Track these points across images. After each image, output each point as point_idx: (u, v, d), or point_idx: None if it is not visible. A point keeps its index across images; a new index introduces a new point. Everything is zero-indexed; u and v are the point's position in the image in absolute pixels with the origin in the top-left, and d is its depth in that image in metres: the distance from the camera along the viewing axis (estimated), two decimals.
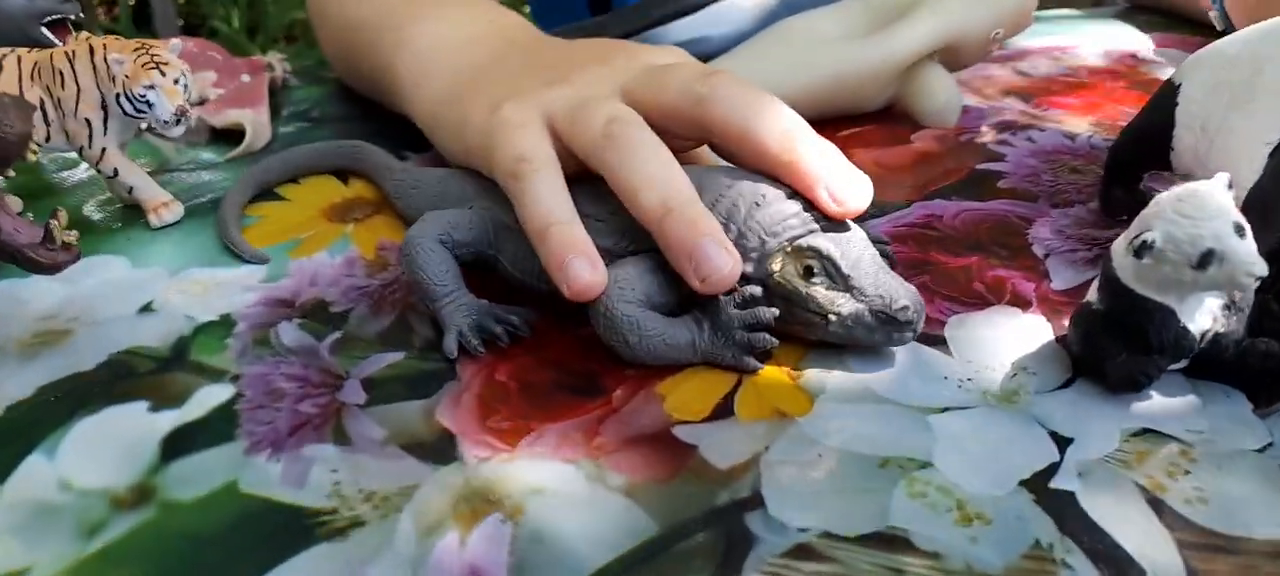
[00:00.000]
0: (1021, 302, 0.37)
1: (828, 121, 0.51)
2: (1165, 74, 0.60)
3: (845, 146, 0.34)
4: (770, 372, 0.33)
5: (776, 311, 0.33)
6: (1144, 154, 0.40)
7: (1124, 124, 0.51)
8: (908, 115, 0.53)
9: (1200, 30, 0.66)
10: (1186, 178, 0.39)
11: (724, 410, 0.31)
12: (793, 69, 0.51)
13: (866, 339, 0.32)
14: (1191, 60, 0.38)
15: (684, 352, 0.33)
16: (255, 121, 0.54)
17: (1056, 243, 0.41)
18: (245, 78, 0.58)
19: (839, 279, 0.32)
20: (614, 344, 0.33)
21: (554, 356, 0.35)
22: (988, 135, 0.51)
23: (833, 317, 0.32)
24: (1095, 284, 0.32)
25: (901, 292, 0.32)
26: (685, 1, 0.57)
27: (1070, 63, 0.62)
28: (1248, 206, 0.32)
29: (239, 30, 1.38)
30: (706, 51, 0.57)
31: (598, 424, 0.31)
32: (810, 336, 0.33)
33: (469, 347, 0.34)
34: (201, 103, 0.55)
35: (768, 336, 0.33)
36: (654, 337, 0.32)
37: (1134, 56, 0.63)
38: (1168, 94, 0.38)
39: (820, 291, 0.32)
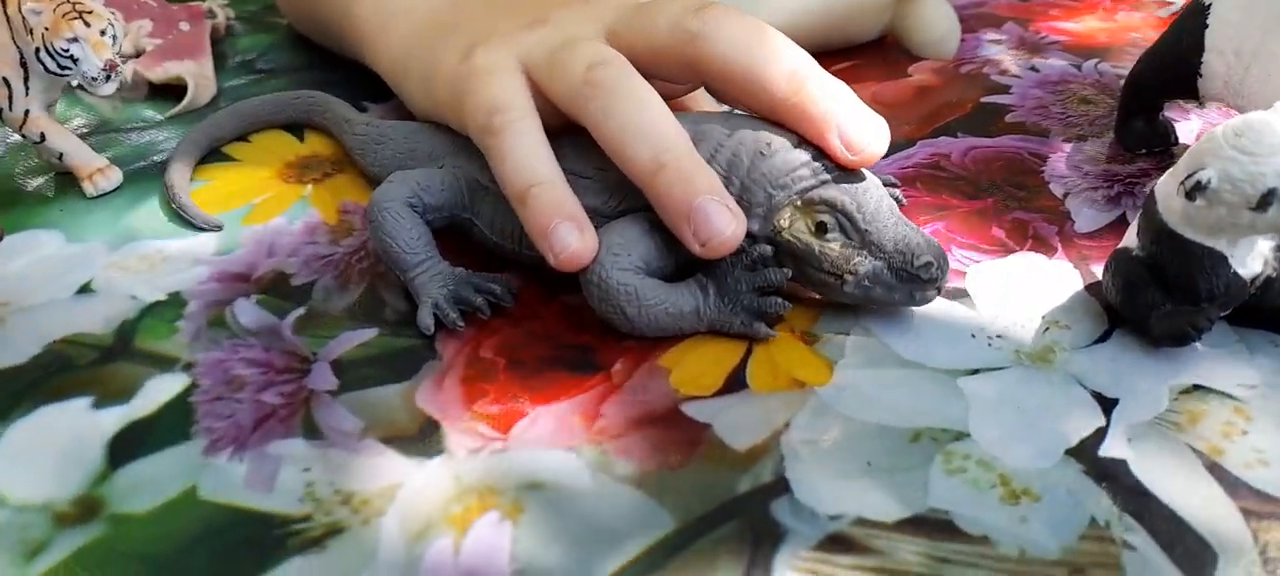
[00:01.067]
0: (1045, 248, 0.34)
1: (817, 56, 0.48)
2: None
3: None
4: (783, 338, 0.30)
5: (789, 272, 0.30)
6: (1167, 82, 0.37)
7: (1132, 48, 0.49)
8: (903, 47, 0.50)
9: None
10: (1209, 106, 0.37)
11: (736, 382, 0.29)
12: None
13: (886, 298, 0.30)
14: None
15: (688, 321, 0.30)
16: (197, 74, 0.50)
17: (1075, 180, 0.38)
18: (184, 26, 0.53)
19: (855, 234, 0.29)
20: (610, 316, 0.30)
21: (543, 328, 0.31)
22: (989, 65, 0.48)
23: (849, 277, 0.29)
24: (1133, 227, 0.30)
25: (923, 246, 0.29)
26: None
27: None
28: None
29: None
30: None
31: (598, 404, 0.28)
32: (824, 297, 0.30)
33: (446, 321, 0.31)
34: (137, 55, 0.50)
35: (780, 300, 0.30)
36: (655, 307, 0.29)
37: None
38: (1196, 15, 0.35)
39: (834, 248, 0.29)
